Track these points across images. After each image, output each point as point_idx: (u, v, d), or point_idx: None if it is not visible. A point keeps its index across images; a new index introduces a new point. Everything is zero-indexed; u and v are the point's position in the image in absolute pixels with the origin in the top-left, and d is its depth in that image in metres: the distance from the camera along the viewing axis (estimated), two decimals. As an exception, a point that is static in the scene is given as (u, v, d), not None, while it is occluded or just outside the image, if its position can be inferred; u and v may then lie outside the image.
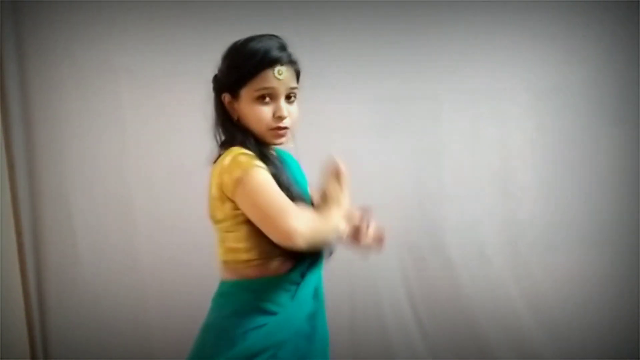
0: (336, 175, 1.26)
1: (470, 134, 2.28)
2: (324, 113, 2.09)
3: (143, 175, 2.23)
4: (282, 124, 1.25)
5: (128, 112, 2.22)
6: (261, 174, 1.18)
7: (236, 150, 1.22)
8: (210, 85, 1.33)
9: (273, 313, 1.24)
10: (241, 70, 1.24)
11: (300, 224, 1.13)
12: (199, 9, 2.15)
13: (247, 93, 1.24)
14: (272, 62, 1.23)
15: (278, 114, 1.24)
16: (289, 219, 1.12)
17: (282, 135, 1.27)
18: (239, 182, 1.16)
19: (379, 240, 1.36)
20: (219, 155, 1.27)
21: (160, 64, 2.18)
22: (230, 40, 2.12)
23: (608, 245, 2.26)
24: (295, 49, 1.30)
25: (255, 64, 1.23)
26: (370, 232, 1.34)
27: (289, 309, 1.25)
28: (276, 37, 1.27)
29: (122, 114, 2.22)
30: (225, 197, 1.20)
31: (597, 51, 2.21)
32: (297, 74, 1.29)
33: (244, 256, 1.25)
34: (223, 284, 1.33)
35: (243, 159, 1.19)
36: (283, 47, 1.26)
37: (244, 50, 1.25)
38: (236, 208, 1.21)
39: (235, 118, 1.28)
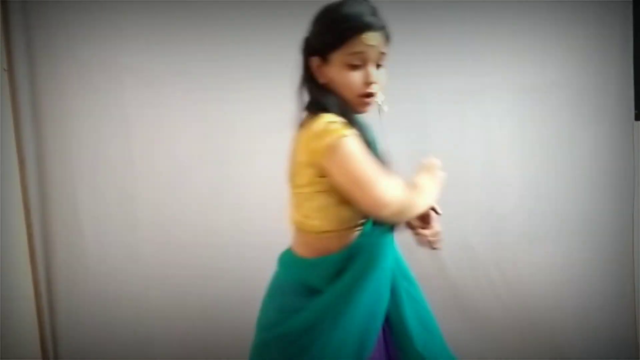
0: (429, 168, 1.27)
1: (455, 131, 2.32)
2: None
3: (147, 171, 2.28)
4: (369, 90, 1.22)
5: (132, 110, 2.26)
6: (353, 142, 1.15)
7: (326, 116, 1.18)
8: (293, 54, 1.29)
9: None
10: (333, 35, 1.21)
11: (391, 194, 1.12)
12: (201, 10, 2.20)
13: (337, 58, 1.21)
14: (364, 28, 1.19)
15: (368, 80, 1.21)
16: (380, 188, 1.12)
17: (368, 103, 1.24)
18: (330, 149, 1.13)
19: (431, 243, 1.32)
20: (305, 119, 1.24)
21: (163, 63, 2.22)
22: (232, 40, 2.20)
23: (588, 235, 2.32)
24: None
25: (347, 29, 1.19)
26: (429, 232, 1.31)
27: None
28: (367, 1, 1.23)
29: (127, 112, 2.26)
30: (311, 162, 1.17)
31: (579, 50, 2.26)
32: (387, 39, 1.24)
33: (318, 226, 1.22)
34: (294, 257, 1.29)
35: (335, 126, 1.15)
36: (374, 13, 1.22)
37: (336, 14, 1.21)
38: (319, 175, 1.18)
39: (322, 82, 1.25)
